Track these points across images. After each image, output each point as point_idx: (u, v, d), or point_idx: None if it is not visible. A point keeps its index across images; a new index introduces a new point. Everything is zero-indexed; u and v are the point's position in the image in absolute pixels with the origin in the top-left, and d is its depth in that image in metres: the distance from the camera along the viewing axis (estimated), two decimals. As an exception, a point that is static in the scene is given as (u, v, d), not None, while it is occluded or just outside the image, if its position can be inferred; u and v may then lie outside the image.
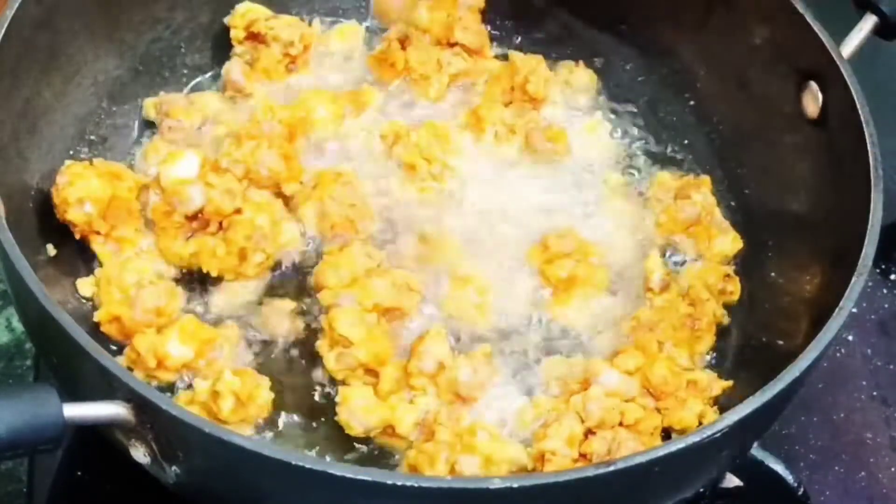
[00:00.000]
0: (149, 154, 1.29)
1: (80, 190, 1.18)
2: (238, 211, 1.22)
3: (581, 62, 1.40)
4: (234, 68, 1.35)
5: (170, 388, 1.16)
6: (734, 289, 1.25)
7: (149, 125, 1.33)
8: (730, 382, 1.17)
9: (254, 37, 1.35)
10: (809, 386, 1.12)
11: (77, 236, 1.21)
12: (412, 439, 1.13)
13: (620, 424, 1.12)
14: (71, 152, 1.26)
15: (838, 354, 1.33)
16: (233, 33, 1.36)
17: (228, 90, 1.35)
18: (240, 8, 1.36)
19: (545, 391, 1.18)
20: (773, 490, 1.18)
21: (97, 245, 1.21)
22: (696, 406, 1.15)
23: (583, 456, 1.11)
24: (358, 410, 1.13)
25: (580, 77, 1.39)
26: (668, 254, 1.29)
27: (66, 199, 1.18)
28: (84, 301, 1.19)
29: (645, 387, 1.16)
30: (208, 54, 1.39)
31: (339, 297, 1.18)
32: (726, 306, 1.25)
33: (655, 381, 1.15)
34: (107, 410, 0.94)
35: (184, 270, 1.23)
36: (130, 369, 1.13)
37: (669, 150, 1.38)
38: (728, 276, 1.25)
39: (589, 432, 1.12)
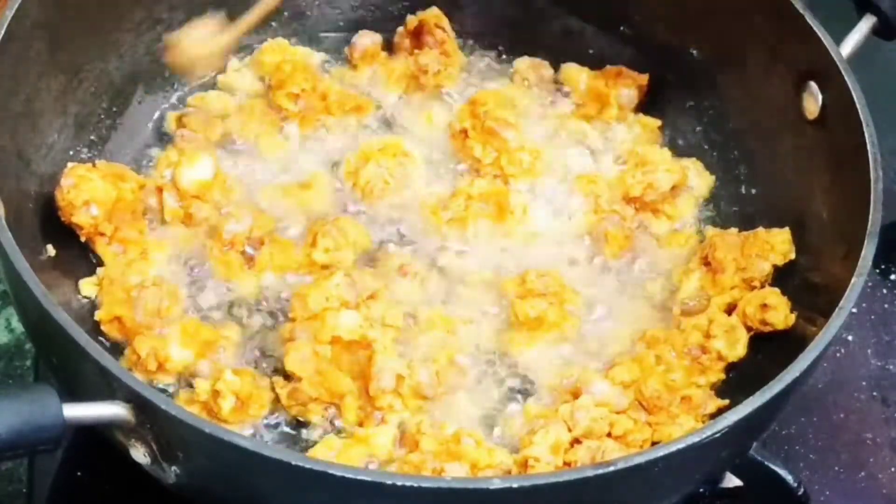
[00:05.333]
0: (161, 163, 1.29)
1: (86, 192, 1.19)
2: None
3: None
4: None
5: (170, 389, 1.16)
6: (774, 319, 1.19)
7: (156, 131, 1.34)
8: (726, 401, 1.16)
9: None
10: (809, 386, 1.12)
11: (83, 238, 1.21)
12: (395, 455, 1.12)
13: (609, 436, 1.12)
14: (71, 153, 1.26)
15: (838, 354, 1.33)
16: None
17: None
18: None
19: (537, 399, 1.18)
20: (773, 490, 1.18)
21: (101, 246, 1.21)
22: (688, 422, 1.13)
23: (567, 464, 1.10)
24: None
25: None
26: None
27: (72, 202, 1.18)
28: (84, 301, 1.19)
29: (638, 400, 1.15)
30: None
31: (296, 330, 1.16)
32: (763, 336, 1.21)
33: (649, 395, 1.15)
34: (107, 410, 0.94)
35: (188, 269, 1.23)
36: (131, 370, 1.13)
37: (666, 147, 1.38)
38: (766, 305, 1.20)
39: (576, 441, 1.11)
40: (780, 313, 1.19)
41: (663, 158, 1.33)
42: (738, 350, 1.20)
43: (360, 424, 1.14)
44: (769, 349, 1.20)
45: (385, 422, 1.14)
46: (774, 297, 1.21)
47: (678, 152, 1.37)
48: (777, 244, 1.24)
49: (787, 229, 1.25)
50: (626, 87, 1.38)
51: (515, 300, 1.22)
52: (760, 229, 1.26)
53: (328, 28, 1.44)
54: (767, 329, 1.20)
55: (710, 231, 1.30)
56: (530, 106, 1.39)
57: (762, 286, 1.23)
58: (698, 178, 1.35)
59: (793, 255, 1.24)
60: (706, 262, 1.25)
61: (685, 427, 1.13)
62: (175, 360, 1.14)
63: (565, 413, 1.13)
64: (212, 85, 1.38)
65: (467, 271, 1.26)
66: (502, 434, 1.16)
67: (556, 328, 1.21)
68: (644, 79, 1.38)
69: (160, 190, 1.25)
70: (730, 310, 1.23)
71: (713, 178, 1.35)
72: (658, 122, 1.38)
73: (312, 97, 1.34)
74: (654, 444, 1.13)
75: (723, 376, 1.20)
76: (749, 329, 1.21)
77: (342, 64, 1.42)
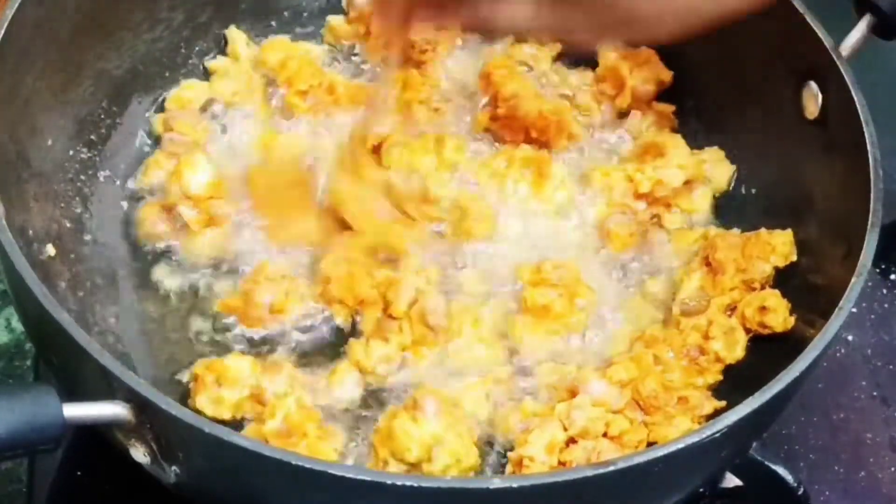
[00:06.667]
0: (150, 167, 1.30)
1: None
2: None
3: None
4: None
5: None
6: (774, 322, 1.19)
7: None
8: (723, 403, 1.16)
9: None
10: (809, 386, 1.12)
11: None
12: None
13: (605, 435, 1.12)
14: (71, 152, 1.26)
15: (838, 354, 1.33)
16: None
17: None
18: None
19: (536, 397, 1.18)
20: (773, 490, 1.18)
21: None
22: (685, 423, 1.13)
23: (562, 464, 1.10)
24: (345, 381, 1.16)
25: None
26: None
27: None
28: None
29: (635, 399, 1.15)
30: (208, 55, 1.39)
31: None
32: (762, 337, 1.21)
33: (646, 394, 1.14)
34: (107, 410, 0.94)
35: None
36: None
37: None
38: (765, 307, 1.20)
39: (571, 441, 1.11)
40: (780, 316, 1.19)
41: (678, 152, 1.32)
42: (737, 352, 1.19)
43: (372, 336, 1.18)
44: (768, 350, 1.20)
45: (386, 340, 1.17)
46: (774, 299, 1.20)
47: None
48: (778, 245, 1.24)
49: (789, 231, 1.24)
50: (645, 81, 1.36)
51: (527, 286, 1.22)
52: (762, 230, 1.26)
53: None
54: (766, 331, 1.20)
55: (713, 231, 1.30)
56: (545, 65, 1.39)
57: (762, 288, 1.23)
58: (717, 169, 1.34)
59: (794, 257, 1.24)
60: (707, 263, 1.25)
61: (681, 428, 1.13)
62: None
63: (561, 412, 1.13)
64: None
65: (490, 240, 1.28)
66: (499, 431, 1.16)
67: (560, 320, 1.21)
68: (668, 75, 1.37)
69: (172, 208, 1.25)
70: (730, 311, 1.23)
71: (734, 168, 1.34)
72: (672, 108, 1.37)
73: (320, 92, 1.35)
74: (650, 444, 1.13)
75: (720, 378, 1.20)
76: (748, 331, 1.21)
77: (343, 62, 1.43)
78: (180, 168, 1.26)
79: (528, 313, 1.21)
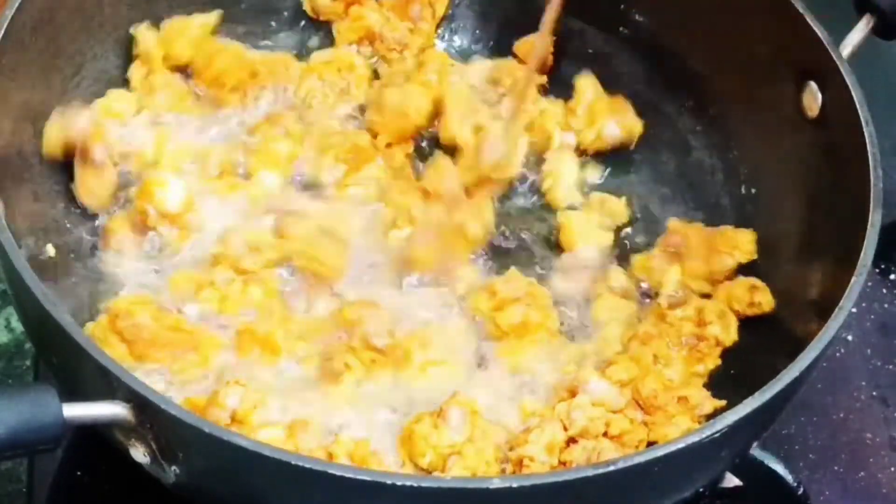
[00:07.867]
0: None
1: None
2: None
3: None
4: None
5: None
6: (763, 300, 1.22)
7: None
8: (723, 402, 1.16)
9: None
10: (809, 386, 1.12)
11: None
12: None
13: (605, 435, 1.12)
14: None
15: (838, 354, 1.33)
16: None
17: None
18: None
19: (536, 396, 1.18)
20: (773, 490, 1.18)
21: None
22: (685, 423, 1.14)
23: (562, 464, 1.10)
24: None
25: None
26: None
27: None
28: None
29: (635, 399, 1.15)
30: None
31: None
32: (751, 319, 1.23)
33: (646, 394, 1.15)
34: (107, 410, 0.94)
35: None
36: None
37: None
38: (754, 286, 1.22)
39: (571, 441, 1.11)
40: (768, 294, 1.22)
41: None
42: (732, 334, 1.21)
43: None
44: (768, 350, 1.20)
45: (340, 381, 1.14)
46: (757, 281, 1.23)
47: (680, 151, 1.38)
48: (741, 243, 1.26)
49: (751, 231, 1.27)
50: (618, 126, 1.37)
51: (493, 314, 1.20)
52: (725, 227, 1.28)
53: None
54: (754, 311, 1.22)
55: (673, 222, 1.31)
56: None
57: (724, 280, 1.25)
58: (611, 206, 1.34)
59: (755, 256, 1.26)
60: (673, 252, 1.27)
61: (682, 427, 1.13)
62: None
63: (561, 412, 1.13)
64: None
65: None
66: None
67: (542, 329, 1.21)
68: (639, 127, 1.37)
69: (152, 228, 1.23)
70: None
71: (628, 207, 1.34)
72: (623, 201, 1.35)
73: (242, 75, 1.34)
74: (650, 444, 1.13)
75: (719, 362, 1.20)
76: (737, 314, 1.22)
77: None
78: (149, 188, 1.21)
79: (509, 337, 1.20)
